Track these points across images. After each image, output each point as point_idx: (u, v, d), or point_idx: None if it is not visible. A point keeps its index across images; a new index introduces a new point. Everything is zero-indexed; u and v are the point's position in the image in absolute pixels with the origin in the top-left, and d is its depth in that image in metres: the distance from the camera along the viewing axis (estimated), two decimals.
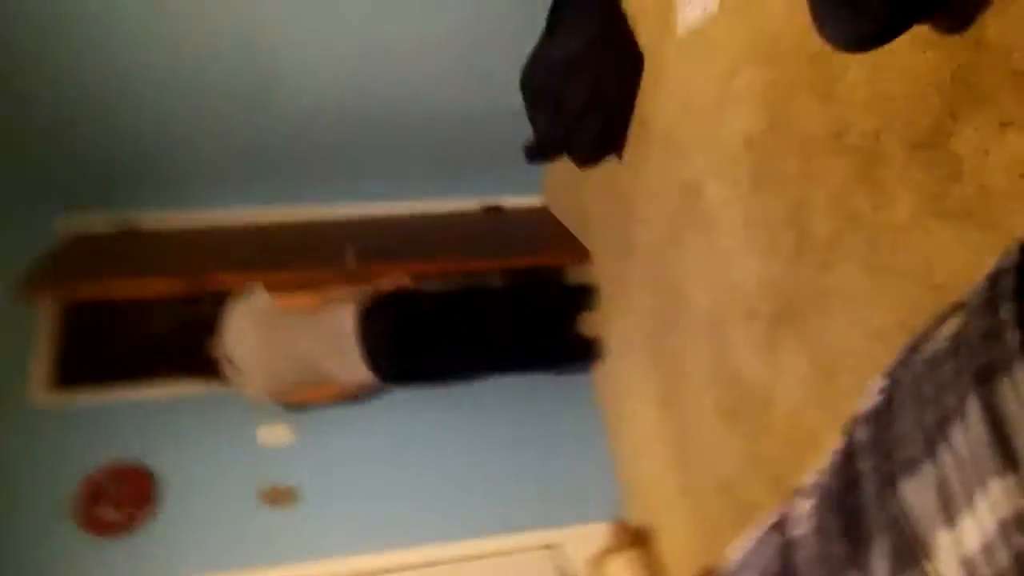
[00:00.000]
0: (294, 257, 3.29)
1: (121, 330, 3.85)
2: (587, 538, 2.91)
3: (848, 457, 0.37)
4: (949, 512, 0.28)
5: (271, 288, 3.10)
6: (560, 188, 3.76)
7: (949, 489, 0.28)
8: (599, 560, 2.74)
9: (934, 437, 0.30)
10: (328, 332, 2.92)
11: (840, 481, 0.37)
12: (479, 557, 2.91)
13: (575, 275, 3.58)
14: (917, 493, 0.30)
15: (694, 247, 2.25)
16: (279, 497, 2.96)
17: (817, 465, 0.42)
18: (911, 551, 0.30)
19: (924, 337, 0.38)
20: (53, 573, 2.73)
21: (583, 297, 3.35)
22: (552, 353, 3.35)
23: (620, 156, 2.74)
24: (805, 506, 0.40)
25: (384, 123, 3.45)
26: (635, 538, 2.78)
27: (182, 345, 2.94)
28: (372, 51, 3.05)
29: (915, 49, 1.27)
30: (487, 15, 2.94)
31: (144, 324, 3.83)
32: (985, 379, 0.28)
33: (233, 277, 3.17)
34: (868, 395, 0.39)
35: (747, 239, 1.94)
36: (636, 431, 2.92)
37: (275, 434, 3.12)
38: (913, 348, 0.38)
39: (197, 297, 4.27)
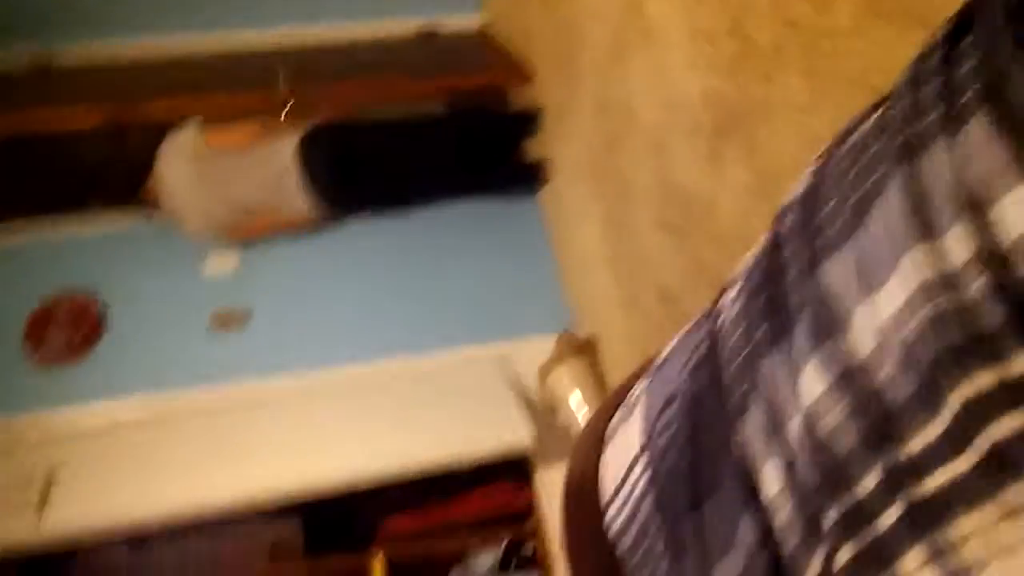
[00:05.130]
0: (223, 84, 3.13)
1: (52, 166, 3.68)
2: (536, 350, 3.05)
3: (774, 244, 0.36)
4: (866, 285, 0.28)
5: (206, 120, 2.98)
6: (502, 8, 3.61)
7: (867, 264, 0.29)
8: (546, 369, 2.92)
9: (856, 218, 0.30)
10: (266, 166, 2.86)
11: (765, 267, 0.37)
12: (431, 370, 3.03)
13: (519, 100, 3.52)
14: (837, 272, 0.30)
15: (639, 64, 2.24)
16: (228, 320, 2.97)
17: (745, 256, 0.42)
18: (829, 326, 0.30)
19: (854, 124, 0.37)
20: (7, 403, 2.75)
21: (528, 122, 3.32)
22: (498, 179, 3.37)
23: None
24: (731, 294, 0.40)
25: None
26: (580, 348, 2.95)
27: (117, 179, 2.85)
28: None
29: None
30: None
31: (75, 159, 3.66)
32: (906, 157, 0.27)
33: (159, 105, 3.00)
34: (797, 184, 0.38)
35: (691, 52, 1.94)
36: (582, 249, 3.02)
37: (223, 260, 3.10)
38: (843, 135, 0.37)
39: (124, 129, 4.07)
